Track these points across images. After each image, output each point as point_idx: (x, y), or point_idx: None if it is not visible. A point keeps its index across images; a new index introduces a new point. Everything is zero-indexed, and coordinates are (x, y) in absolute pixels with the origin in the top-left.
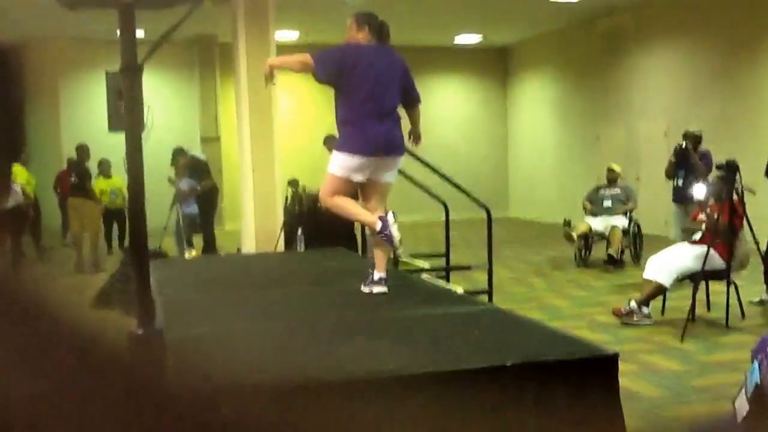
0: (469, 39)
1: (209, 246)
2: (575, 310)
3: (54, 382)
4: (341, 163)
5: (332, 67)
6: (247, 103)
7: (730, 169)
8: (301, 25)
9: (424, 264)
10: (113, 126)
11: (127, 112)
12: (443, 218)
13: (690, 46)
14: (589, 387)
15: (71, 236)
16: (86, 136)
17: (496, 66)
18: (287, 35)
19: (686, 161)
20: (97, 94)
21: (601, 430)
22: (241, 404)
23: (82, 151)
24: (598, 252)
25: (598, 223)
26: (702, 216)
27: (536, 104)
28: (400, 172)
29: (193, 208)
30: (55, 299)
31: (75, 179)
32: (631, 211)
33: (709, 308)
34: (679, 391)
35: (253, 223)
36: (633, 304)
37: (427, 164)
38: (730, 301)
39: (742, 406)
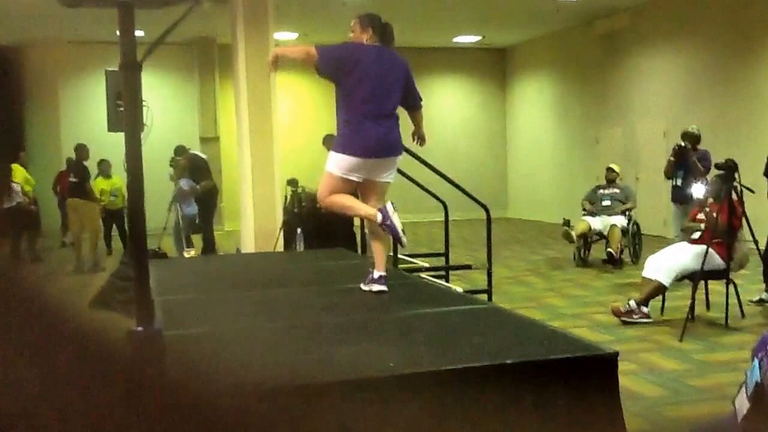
0: (468, 40)
1: (208, 246)
2: (574, 310)
3: (54, 381)
4: (338, 163)
5: (334, 62)
6: (247, 103)
7: (729, 168)
8: (300, 26)
9: (423, 263)
10: (112, 126)
11: (126, 110)
12: (442, 218)
13: (688, 47)
14: (589, 386)
15: (70, 236)
16: (86, 137)
17: (495, 66)
18: (286, 36)
19: (685, 161)
20: (97, 95)
21: (601, 430)
22: (240, 403)
23: (81, 151)
24: (598, 252)
25: (598, 223)
26: (701, 215)
27: (535, 104)
28: (400, 171)
29: (193, 208)
30: (55, 299)
31: (74, 179)
32: (630, 211)
33: (708, 308)
34: (679, 390)
35: (252, 223)
36: (632, 303)
37: (426, 164)
38: (730, 300)
39: (743, 405)
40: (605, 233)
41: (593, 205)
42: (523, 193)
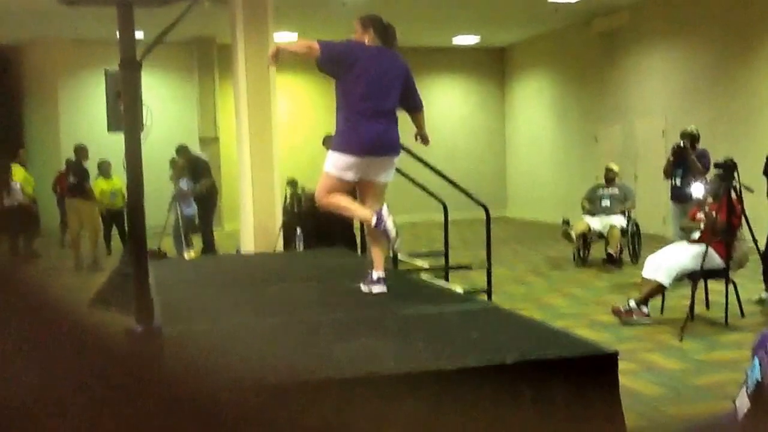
0: (467, 40)
1: (208, 246)
2: (574, 309)
3: (53, 380)
4: (335, 162)
5: (335, 57)
6: (246, 103)
7: (728, 167)
8: (299, 26)
9: (423, 263)
10: (112, 126)
11: (126, 109)
12: (442, 218)
13: (687, 46)
14: (589, 385)
15: (69, 236)
16: (85, 137)
17: (494, 66)
18: (286, 36)
19: (684, 160)
20: (96, 95)
21: (602, 429)
22: (239, 401)
23: (81, 151)
24: (597, 251)
25: (597, 223)
26: (700, 215)
27: (534, 104)
28: (400, 171)
29: (192, 209)
30: (53, 296)
31: (73, 180)
32: (629, 211)
33: (708, 307)
34: (679, 389)
35: (251, 224)
36: (632, 303)
37: (426, 164)
38: (729, 299)
39: (743, 403)
40: (605, 233)
41: (592, 204)
42: (522, 192)
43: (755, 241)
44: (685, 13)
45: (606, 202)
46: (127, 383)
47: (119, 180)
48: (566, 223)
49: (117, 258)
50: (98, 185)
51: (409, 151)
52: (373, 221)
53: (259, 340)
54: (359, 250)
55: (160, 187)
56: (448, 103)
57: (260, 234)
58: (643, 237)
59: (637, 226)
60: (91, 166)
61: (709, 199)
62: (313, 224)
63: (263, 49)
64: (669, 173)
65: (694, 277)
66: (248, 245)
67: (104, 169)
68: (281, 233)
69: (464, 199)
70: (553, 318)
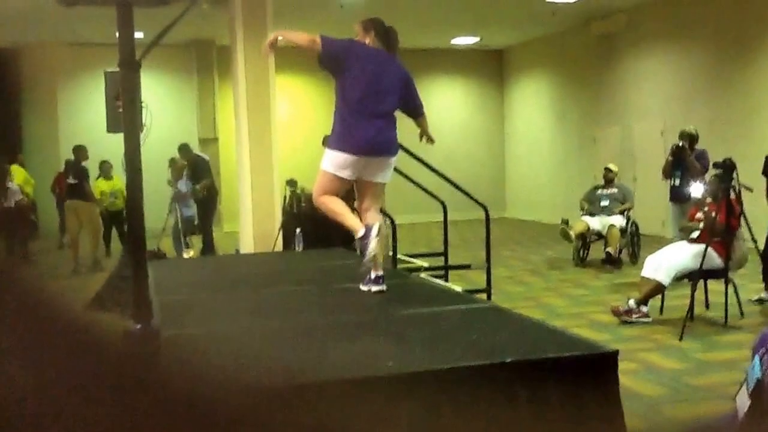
0: (466, 41)
1: (208, 247)
2: (574, 309)
3: (49, 380)
4: (332, 160)
5: (335, 54)
6: (246, 104)
7: (727, 167)
8: (298, 28)
9: (422, 263)
10: (111, 127)
11: (125, 109)
12: (441, 218)
13: (685, 48)
14: (589, 385)
15: (68, 237)
16: (84, 139)
17: (493, 68)
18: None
19: (683, 160)
20: (96, 96)
21: (601, 429)
22: (236, 403)
23: (80, 152)
24: (596, 252)
25: (596, 223)
26: (699, 215)
27: (533, 105)
28: (399, 172)
29: (192, 210)
30: (50, 297)
31: (73, 181)
32: (628, 211)
33: (707, 307)
34: (678, 389)
35: (251, 224)
36: (632, 302)
37: (425, 164)
38: (729, 299)
39: (744, 402)
40: (604, 233)
41: (592, 205)
42: (521, 193)
43: (755, 241)
44: (682, 15)
45: (605, 203)
46: (123, 384)
47: (120, 181)
48: (565, 222)
49: (116, 259)
50: (98, 186)
51: (408, 152)
52: (360, 233)
53: (257, 341)
54: (358, 251)
55: (159, 187)
56: (447, 104)
57: (259, 234)
58: (642, 238)
59: (636, 226)
60: (90, 166)
61: (708, 199)
62: (312, 224)
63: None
64: (668, 173)
65: (693, 277)
66: (247, 246)
67: (105, 170)
68: (280, 233)
69: (463, 200)
70: (552, 318)
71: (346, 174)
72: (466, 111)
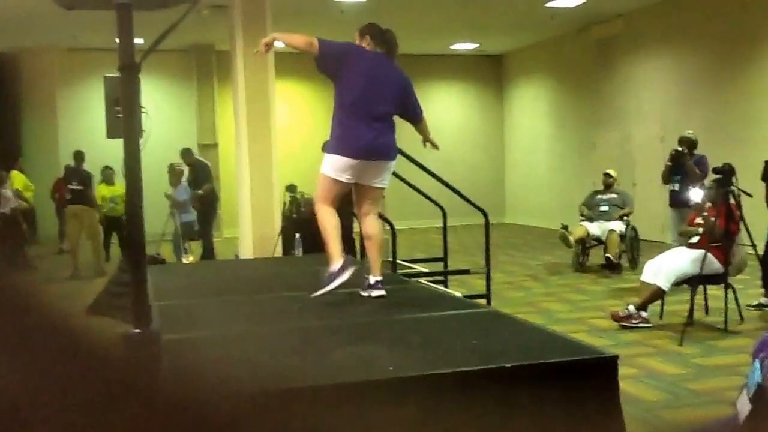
0: (465, 46)
1: (208, 252)
2: (573, 315)
3: (49, 385)
4: (331, 164)
5: (332, 57)
6: (245, 110)
7: (726, 173)
8: (298, 33)
9: (422, 268)
10: (111, 132)
11: (124, 113)
12: (441, 223)
13: (683, 53)
14: (589, 389)
15: (68, 243)
16: (83, 144)
17: (492, 73)
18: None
19: (682, 166)
20: (95, 102)
21: None
22: (235, 407)
23: (81, 157)
24: (596, 257)
25: (595, 228)
26: (699, 220)
27: (532, 110)
28: (399, 177)
29: (190, 215)
30: (45, 304)
31: (78, 186)
32: (627, 216)
33: (707, 312)
34: (678, 394)
35: (250, 229)
36: (631, 308)
37: (424, 169)
38: (729, 304)
39: (744, 406)
40: (603, 239)
41: (591, 210)
42: (520, 198)
43: (754, 246)
44: (680, 21)
45: (604, 208)
46: (122, 388)
47: (121, 186)
48: (565, 228)
49: (116, 265)
50: (100, 191)
51: (407, 157)
52: (336, 265)
53: (257, 345)
54: (358, 256)
55: (158, 193)
56: (446, 109)
57: (259, 240)
58: (641, 243)
59: (635, 231)
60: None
61: (708, 204)
62: (311, 229)
63: (262, 55)
64: (667, 179)
65: (692, 282)
66: (247, 251)
67: (108, 176)
68: (280, 238)
69: (463, 205)
70: (551, 323)
71: (345, 177)
72: (465, 116)
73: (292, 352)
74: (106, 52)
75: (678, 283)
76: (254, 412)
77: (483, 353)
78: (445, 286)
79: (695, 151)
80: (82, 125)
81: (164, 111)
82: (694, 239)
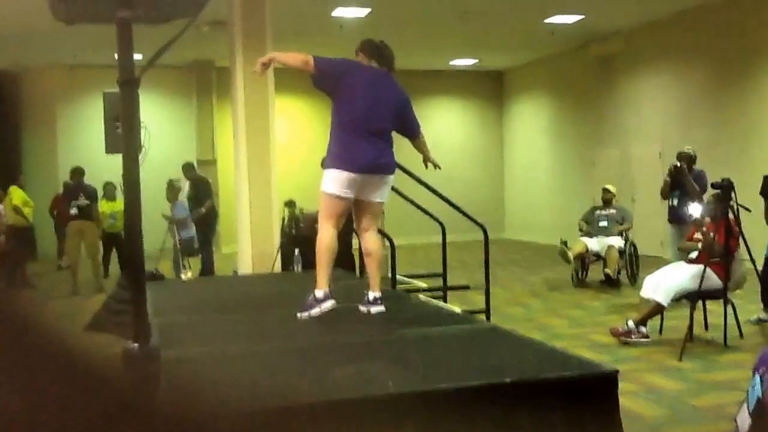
0: (465, 63)
1: (207, 269)
2: (573, 330)
3: (48, 404)
4: (332, 178)
5: (329, 74)
6: (244, 126)
7: (725, 188)
8: (297, 49)
9: (421, 284)
10: (110, 148)
11: (124, 128)
12: (440, 239)
13: (682, 70)
14: (589, 405)
15: (68, 260)
16: (83, 161)
17: (492, 89)
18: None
19: (681, 181)
20: (94, 119)
21: None
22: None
23: (80, 172)
24: (595, 273)
25: (595, 244)
26: (698, 235)
27: (531, 126)
28: (398, 192)
29: (189, 232)
30: (50, 324)
31: (86, 201)
32: (627, 232)
33: (706, 327)
34: (678, 409)
35: (249, 245)
36: (631, 323)
37: (424, 185)
38: (728, 320)
39: (744, 421)
40: (602, 254)
41: (590, 226)
42: (519, 214)
43: (753, 261)
44: (679, 38)
45: (603, 223)
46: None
47: (122, 202)
48: (564, 243)
49: (115, 281)
50: (101, 207)
51: (407, 172)
52: (319, 293)
53: (256, 362)
54: (358, 272)
55: (157, 209)
56: (445, 126)
57: (258, 255)
58: (640, 258)
59: (634, 247)
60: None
61: (707, 220)
62: (311, 245)
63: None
64: (666, 194)
65: (692, 297)
66: (246, 267)
67: (109, 191)
68: (279, 254)
69: (462, 221)
70: (551, 339)
71: (346, 192)
72: (465, 132)
73: (292, 369)
74: (106, 69)
75: (677, 299)
76: (254, 430)
77: (483, 369)
78: (445, 302)
79: (694, 167)
80: (82, 142)
81: (164, 127)
82: (694, 254)
